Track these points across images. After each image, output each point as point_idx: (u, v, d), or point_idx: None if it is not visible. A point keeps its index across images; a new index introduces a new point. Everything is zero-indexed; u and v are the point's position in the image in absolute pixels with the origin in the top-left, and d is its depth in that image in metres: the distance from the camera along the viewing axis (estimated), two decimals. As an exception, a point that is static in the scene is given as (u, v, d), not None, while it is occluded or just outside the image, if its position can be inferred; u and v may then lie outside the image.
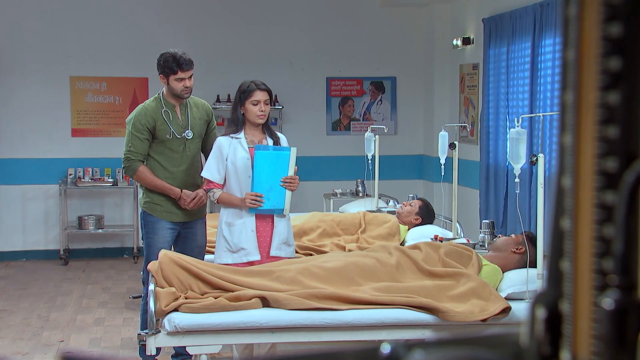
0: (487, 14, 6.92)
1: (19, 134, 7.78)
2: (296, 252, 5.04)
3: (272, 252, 4.15)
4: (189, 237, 4.49)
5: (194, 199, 4.37)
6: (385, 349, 0.53)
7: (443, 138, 5.04)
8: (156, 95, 4.45)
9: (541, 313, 0.54)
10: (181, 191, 4.38)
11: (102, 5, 7.88)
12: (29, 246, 7.82)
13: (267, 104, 4.27)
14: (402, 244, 5.04)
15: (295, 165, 4.20)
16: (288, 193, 4.17)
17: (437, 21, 8.10)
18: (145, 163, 4.40)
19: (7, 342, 5.06)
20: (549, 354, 0.54)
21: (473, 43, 7.38)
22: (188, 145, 4.40)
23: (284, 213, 4.15)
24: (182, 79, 4.28)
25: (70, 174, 7.79)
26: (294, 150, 4.18)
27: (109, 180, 7.74)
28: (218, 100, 8.06)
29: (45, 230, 7.87)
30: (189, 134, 4.39)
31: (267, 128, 4.23)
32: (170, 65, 4.27)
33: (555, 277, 0.55)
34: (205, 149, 4.54)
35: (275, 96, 8.20)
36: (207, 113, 4.54)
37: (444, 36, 7.93)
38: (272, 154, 4.13)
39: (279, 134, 4.32)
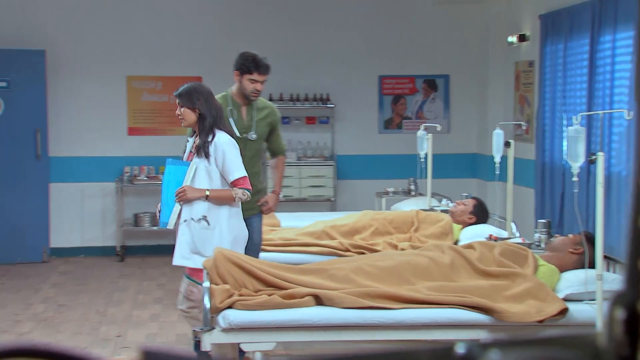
0: (544, 10, 6.80)
1: (77, 133, 7.96)
2: (347, 250, 5.05)
3: (174, 261, 4.03)
4: None
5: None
6: (461, 348, 0.53)
7: (498, 136, 4.97)
8: (224, 93, 4.50)
9: (620, 314, 0.53)
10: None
11: (158, 5, 8.00)
12: (87, 243, 8.00)
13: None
14: (456, 243, 4.99)
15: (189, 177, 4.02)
16: (176, 206, 4.04)
17: (492, 18, 8.00)
18: None
19: (67, 336, 5.18)
20: (627, 355, 0.53)
21: (529, 40, 7.26)
22: (249, 146, 4.43)
23: (167, 227, 4.05)
24: (255, 81, 4.35)
25: (127, 172, 7.94)
26: (192, 166, 4.02)
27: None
28: (271, 99, 8.10)
29: (103, 227, 8.04)
30: (252, 135, 4.44)
31: (201, 128, 3.98)
32: (249, 64, 4.34)
33: (634, 277, 0.54)
34: (271, 151, 4.67)
35: (327, 95, 8.22)
36: (274, 116, 4.58)
37: (499, 33, 7.83)
38: (178, 169, 4.03)
39: (219, 133, 3.99)
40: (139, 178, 7.88)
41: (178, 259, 4.02)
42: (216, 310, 3.71)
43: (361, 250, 5.02)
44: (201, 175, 3.98)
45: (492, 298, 3.71)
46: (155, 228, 7.91)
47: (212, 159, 3.95)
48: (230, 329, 3.64)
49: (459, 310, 3.69)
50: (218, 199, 3.96)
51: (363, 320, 3.69)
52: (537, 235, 4.59)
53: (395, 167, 8.18)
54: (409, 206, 6.24)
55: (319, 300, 3.79)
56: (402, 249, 4.87)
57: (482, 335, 3.68)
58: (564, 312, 3.60)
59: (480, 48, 8.26)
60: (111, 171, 8.01)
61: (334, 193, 8.14)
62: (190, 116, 4.00)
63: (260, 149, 4.60)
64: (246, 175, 4.04)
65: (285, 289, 3.87)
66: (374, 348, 3.93)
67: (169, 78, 8.06)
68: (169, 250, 8.05)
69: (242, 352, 4.21)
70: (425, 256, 4.10)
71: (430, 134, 6.10)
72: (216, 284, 3.87)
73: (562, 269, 4.01)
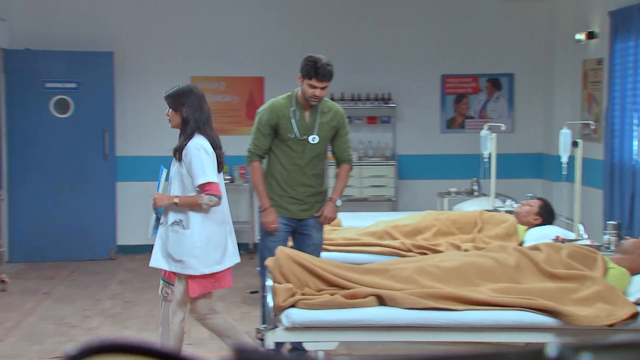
0: (614, 6, 6.61)
1: (143, 133, 8.12)
2: (410, 250, 5.01)
3: (150, 263, 4.01)
4: (304, 234, 4.52)
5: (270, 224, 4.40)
6: (552, 351, 0.51)
7: (565, 136, 4.86)
8: (290, 93, 4.48)
9: None
10: (268, 208, 4.42)
11: (222, 7, 8.10)
12: (152, 241, 8.12)
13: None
14: (521, 244, 4.90)
15: (166, 181, 4.05)
16: (153, 216, 4.07)
17: (559, 15, 7.82)
18: (266, 156, 4.51)
19: (134, 333, 5.29)
20: None
21: (598, 37, 7.07)
22: (309, 148, 4.42)
23: (149, 236, 4.09)
24: (314, 87, 4.29)
25: (190, 172, 8.05)
26: (164, 172, 4.10)
27: (226, 177, 7.95)
28: (332, 99, 8.09)
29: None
30: (315, 138, 4.40)
31: (183, 131, 3.98)
32: (309, 69, 4.28)
33: None
34: (336, 157, 4.60)
35: (389, 94, 8.17)
36: (338, 119, 4.48)
37: (566, 30, 7.65)
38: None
39: (196, 137, 3.93)
40: (202, 177, 7.98)
41: (152, 261, 4.00)
42: (279, 309, 3.73)
43: (423, 250, 4.98)
44: (175, 178, 3.96)
45: (559, 301, 3.63)
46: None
47: (183, 162, 3.92)
48: (293, 328, 3.66)
49: (525, 312, 3.62)
50: (187, 206, 3.90)
51: (426, 321, 3.65)
52: (606, 237, 4.47)
53: (458, 167, 8.09)
54: (472, 207, 6.16)
55: (381, 301, 3.77)
56: (466, 250, 4.80)
57: (549, 338, 3.60)
58: (635, 316, 3.50)
59: (546, 46, 8.09)
60: (175, 170, 8.13)
61: (395, 193, 8.10)
62: (175, 119, 4.02)
63: (323, 152, 4.52)
64: (213, 181, 3.89)
65: (348, 288, 3.86)
66: (459, 350, 3.90)
67: (232, 78, 8.15)
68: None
69: (298, 350, 4.20)
70: (489, 257, 4.04)
71: (494, 134, 6.00)
72: (279, 283, 3.90)
73: (633, 272, 3.89)
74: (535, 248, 4.19)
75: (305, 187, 4.47)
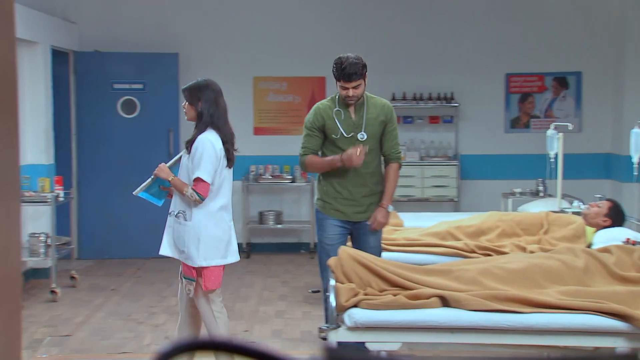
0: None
1: (207, 133, 8.23)
2: (473, 251, 4.94)
3: (159, 251, 4.09)
4: (361, 236, 4.46)
5: (354, 154, 4.19)
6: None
7: (637, 135, 4.72)
8: (333, 95, 4.46)
9: None
10: (341, 155, 4.27)
11: (283, 7, 8.16)
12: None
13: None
14: (589, 246, 4.77)
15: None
16: (149, 179, 4.13)
17: (629, 10, 7.59)
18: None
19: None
20: None
21: (669, 33, 6.84)
22: (358, 145, 4.31)
23: (133, 193, 4.15)
24: (345, 88, 4.23)
25: (252, 171, 8.14)
26: (180, 154, 4.17)
27: (288, 177, 8.00)
28: (393, 99, 8.08)
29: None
30: (363, 135, 4.32)
31: (197, 125, 4.04)
32: (336, 71, 4.23)
33: None
34: (384, 155, 4.44)
35: (452, 94, 8.09)
36: (386, 113, 4.37)
37: (637, 26, 7.42)
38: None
39: (208, 132, 4.01)
40: (264, 177, 8.06)
41: (161, 249, 4.10)
42: (342, 309, 3.72)
43: (487, 252, 4.90)
44: (183, 168, 4.05)
45: (630, 304, 3.52)
46: (279, 226, 8.07)
47: (191, 153, 3.99)
48: (356, 328, 3.65)
49: (594, 316, 3.53)
50: (175, 188, 4.00)
51: (491, 324, 3.60)
52: (679, 240, 4.32)
53: (523, 167, 7.94)
54: (537, 207, 6.04)
55: (445, 302, 3.73)
56: (531, 252, 4.71)
57: (619, 343, 3.50)
58: None
59: (616, 43, 7.87)
60: (237, 170, 8.16)
61: (458, 193, 8.01)
62: (191, 112, 4.07)
63: (375, 149, 4.40)
64: (205, 180, 3.92)
65: (411, 289, 3.84)
66: (526, 353, 3.83)
67: (294, 78, 8.19)
68: (293, 248, 8.27)
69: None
70: (557, 259, 3.95)
71: (560, 133, 5.87)
72: (341, 283, 3.89)
73: None
74: (605, 250, 4.08)
75: (359, 187, 4.39)
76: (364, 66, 4.23)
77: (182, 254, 4.01)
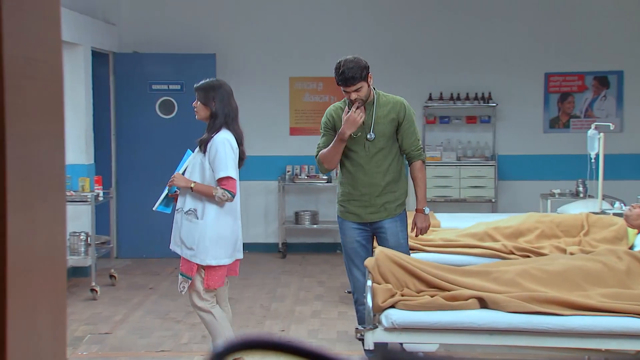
0: None
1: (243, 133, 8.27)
2: (511, 252, 4.89)
3: (170, 246, 4.09)
4: (381, 237, 4.38)
5: (351, 114, 4.12)
6: None
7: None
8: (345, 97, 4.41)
9: None
10: (341, 131, 4.21)
11: (319, 8, 8.17)
12: (251, 239, 8.29)
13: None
14: (631, 248, 4.69)
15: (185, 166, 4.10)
16: (165, 191, 4.14)
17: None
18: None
19: (234, 329, 5.38)
20: None
21: None
22: (369, 145, 4.26)
23: (153, 208, 4.19)
24: (346, 92, 4.17)
25: (288, 171, 8.16)
26: (188, 153, 4.16)
27: (324, 177, 8.01)
28: (430, 99, 8.04)
29: (265, 224, 8.32)
30: (371, 135, 4.23)
31: (211, 125, 4.02)
32: (335, 76, 4.17)
33: None
34: (405, 154, 4.34)
35: (489, 93, 8.01)
36: (397, 111, 4.25)
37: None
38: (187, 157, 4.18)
39: (223, 131, 4.01)
40: (300, 177, 8.08)
41: (171, 244, 4.10)
42: (379, 309, 3.71)
43: (526, 253, 4.85)
44: (196, 168, 4.02)
45: (674, 308, 3.45)
46: (315, 226, 8.08)
47: (207, 154, 3.97)
48: (393, 329, 3.64)
49: (637, 319, 3.47)
50: (200, 194, 3.96)
51: (531, 326, 3.56)
52: None
53: (562, 167, 7.84)
54: (577, 209, 5.95)
55: (483, 303, 3.70)
56: (571, 253, 4.64)
57: (663, 347, 3.43)
58: None
59: (657, 41, 7.72)
60: (274, 170, 8.26)
61: (495, 194, 7.93)
62: (203, 111, 4.06)
63: (387, 148, 4.27)
64: (232, 177, 3.92)
65: (448, 290, 3.81)
66: (576, 357, 3.79)
67: (330, 79, 8.09)
68: (328, 248, 8.27)
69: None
70: (598, 261, 3.89)
71: (601, 133, 5.78)
72: (378, 283, 3.88)
73: None
74: (647, 252, 4.01)
75: (370, 188, 4.30)
76: (364, 68, 4.12)
77: (189, 251, 4.00)
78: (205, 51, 7.98)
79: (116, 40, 7.98)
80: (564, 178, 7.58)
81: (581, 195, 6.91)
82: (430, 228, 5.59)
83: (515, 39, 8.00)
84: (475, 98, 7.98)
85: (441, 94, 8.02)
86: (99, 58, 7.53)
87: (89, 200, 6.19)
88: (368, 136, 4.25)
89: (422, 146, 4.35)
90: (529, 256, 4.75)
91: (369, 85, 4.19)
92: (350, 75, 4.09)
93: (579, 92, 8.01)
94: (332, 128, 4.35)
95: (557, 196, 7.04)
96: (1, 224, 0.98)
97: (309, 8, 8.17)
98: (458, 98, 8.00)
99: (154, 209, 4.20)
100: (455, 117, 8.08)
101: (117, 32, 8.02)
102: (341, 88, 4.18)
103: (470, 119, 8.08)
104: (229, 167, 3.93)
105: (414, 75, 8.11)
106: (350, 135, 4.20)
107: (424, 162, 4.37)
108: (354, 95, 4.15)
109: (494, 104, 7.95)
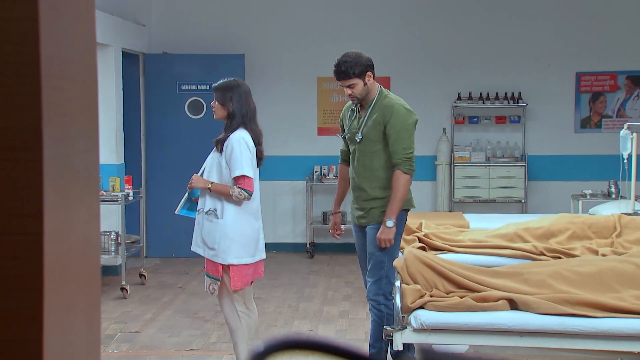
0: None
1: (271, 133, 8.29)
2: (542, 254, 4.83)
3: (191, 247, 4.08)
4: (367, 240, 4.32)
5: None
6: None
7: None
8: None
9: None
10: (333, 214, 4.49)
11: (346, 8, 8.16)
12: (279, 239, 8.32)
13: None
14: (665, 250, 4.61)
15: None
16: (186, 194, 4.12)
17: None
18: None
19: (263, 328, 5.41)
20: None
21: None
22: (359, 147, 4.20)
23: (175, 212, 4.20)
24: (342, 86, 4.14)
25: (316, 171, 8.16)
26: (209, 158, 4.14)
27: (352, 177, 8.00)
28: (459, 98, 7.99)
29: (293, 224, 8.33)
30: (359, 136, 4.18)
31: (228, 125, 4.03)
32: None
33: None
34: (391, 154, 4.14)
35: (519, 93, 7.94)
36: (384, 115, 4.08)
37: None
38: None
39: (239, 130, 4.01)
40: (327, 177, 8.08)
41: (193, 246, 4.09)
42: (407, 310, 3.70)
43: (557, 254, 4.79)
44: (213, 167, 4.02)
45: None
46: (343, 226, 8.04)
47: (224, 153, 3.96)
48: (422, 330, 3.62)
49: (671, 322, 3.41)
50: (218, 193, 3.96)
51: (562, 328, 3.52)
52: None
53: (593, 168, 7.74)
54: (609, 210, 5.88)
55: (513, 305, 3.67)
56: (603, 255, 4.58)
57: (698, 351, 3.37)
58: None
59: (691, 39, 7.60)
60: (301, 170, 8.27)
61: (525, 194, 7.86)
62: (221, 111, 4.06)
63: (373, 152, 4.13)
64: (248, 175, 3.91)
65: (478, 291, 3.78)
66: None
67: (358, 79, 8.17)
68: (355, 248, 8.24)
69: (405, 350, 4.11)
70: (631, 262, 3.84)
71: (634, 133, 5.70)
72: (407, 284, 3.87)
73: None
74: (681, 254, 3.94)
75: (358, 192, 4.24)
76: (362, 66, 4.04)
77: (210, 251, 3.99)
78: (234, 52, 8.01)
79: (146, 41, 8.05)
80: (595, 179, 7.49)
81: (613, 196, 6.82)
82: (459, 229, 5.57)
83: (546, 38, 7.92)
84: (505, 98, 7.92)
85: (470, 93, 7.97)
86: (129, 59, 7.60)
87: (119, 200, 6.25)
88: (357, 138, 4.19)
89: (410, 155, 4.06)
90: (560, 257, 4.69)
91: (365, 84, 4.07)
92: (343, 69, 4.05)
93: (611, 91, 7.90)
94: (342, 128, 4.36)
95: (588, 197, 6.96)
96: (38, 224, 0.99)
97: (336, 8, 8.17)
98: (487, 98, 7.94)
99: (175, 212, 4.22)
100: (484, 117, 8.02)
101: (147, 33, 8.08)
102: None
103: (500, 119, 8.02)
104: (245, 166, 3.93)
105: (442, 75, 8.06)
106: (347, 133, 4.25)
107: (405, 172, 4.05)
108: (347, 92, 4.08)
109: (524, 104, 7.88)
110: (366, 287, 4.42)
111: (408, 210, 4.26)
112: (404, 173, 4.04)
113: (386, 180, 4.11)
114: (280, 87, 8.25)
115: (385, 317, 4.09)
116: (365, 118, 4.15)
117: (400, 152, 4.04)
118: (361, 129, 4.16)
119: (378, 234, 4.09)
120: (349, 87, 4.06)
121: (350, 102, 4.29)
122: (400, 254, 4.61)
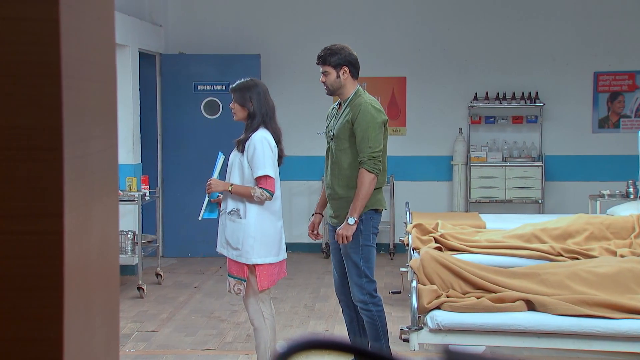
0: None
1: (287, 133, 8.19)
2: (559, 254, 4.81)
3: (217, 247, 4.07)
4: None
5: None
6: None
7: None
8: None
9: None
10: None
11: (363, 8, 8.15)
12: (294, 239, 8.31)
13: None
14: (684, 251, 4.57)
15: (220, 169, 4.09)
16: (206, 199, 4.09)
17: None
18: None
19: (279, 328, 5.40)
20: None
21: None
22: (332, 147, 4.18)
23: (199, 218, 4.14)
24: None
25: (332, 171, 8.16)
26: (220, 156, 4.13)
27: (368, 177, 7.99)
28: (475, 98, 7.95)
29: (308, 224, 8.31)
30: (330, 134, 4.19)
31: (249, 125, 4.01)
32: None
33: None
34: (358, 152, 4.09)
35: (536, 93, 7.90)
36: (353, 113, 4.04)
37: None
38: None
39: (261, 130, 3.98)
40: (344, 177, 8.07)
41: (218, 246, 4.09)
42: (424, 310, 3.69)
43: (574, 255, 4.76)
44: (235, 168, 4.00)
45: None
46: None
47: (245, 153, 3.95)
48: (438, 330, 3.61)
49: (691, 324, 3.38)
50: (239, 195, 3.94)
51: (580, 329, 3.50)
52: None
53: (612, 168, 7.69)
54: (627, 210, 5.83)
55: (530, 306, 3.66)
56: (622, 256, 4.55)
57: None
58: None
59: None
60: (317, 170, 8.27)
61: (542, 195, 7.81)
62: (241, 112, 4.04)
63: (347, 151, 4.07)
64: (270, 175, 3.89)
65: (494, 292, 3.77)
66: None
67: (374, 79, 8.17)
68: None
69: None
70: (649, 264, 3.80)
71: (653, 133, 5.65)
72: (423, 284, 3.86)
73: None
74: (701, 255, 3.90)
75: (329, 190, 4.23)
76: (339, 56, 4.09)
77: (234, 251, 3.98)
78: (250, 52, 8.03)
79: (162, 41, 8.09)
80: (613, 179, 7.44)
81: (631, 196, 6.77)
82: (476, 229, 5.55)
83: (564, 38, 7.87)
84: (522, 98, 7.88)
85: (487, 93, 7.93)
86: (145, 59, 7.64)
87: (136, 199, 6.28)
88: (329, 136, 4.22)
89: (375, 154, 3.99)
90: (577, 258, 4.67)
91: (338, 77, 4.10)
92: (321, 54, 4.16)
93: (630, 91, 7.84)
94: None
95: (606, 197, 6.91)
96: (58, 223, 1.00)
97: (352, 8, 8.16)
98: (504, 98, 7.90)
99: (199, 218, 4.21)
100: (501, 117, 7.98)
101: (164, 34, 8.12)
102: None
103: (517, 119, 7.98)
104: (267, 166, 3.92)
105: (459, 75, 8.04)
106: (325, 130, 4.26)
107: (369, 171, 3.97)
108: (321, 78, 4.15)
109: (541, 104, 7.83)
110: (334, 284, 4.40)
111: (380, 210, 4.18)
112: (368, 172, 3.98)
113: (353, 180, 4.05)
114: (296, 87, 8.26)
115: (376, 315, 4.04)
116: (339, 117, 4.16)
117: (365, 150, 4.00)
118: (334, 128, 4.17)
119: (338, 228, 4.05)
120: (323, 74, 4.14)
121: (335, 102, 4.34)
122: (416, 254, 4.60)
